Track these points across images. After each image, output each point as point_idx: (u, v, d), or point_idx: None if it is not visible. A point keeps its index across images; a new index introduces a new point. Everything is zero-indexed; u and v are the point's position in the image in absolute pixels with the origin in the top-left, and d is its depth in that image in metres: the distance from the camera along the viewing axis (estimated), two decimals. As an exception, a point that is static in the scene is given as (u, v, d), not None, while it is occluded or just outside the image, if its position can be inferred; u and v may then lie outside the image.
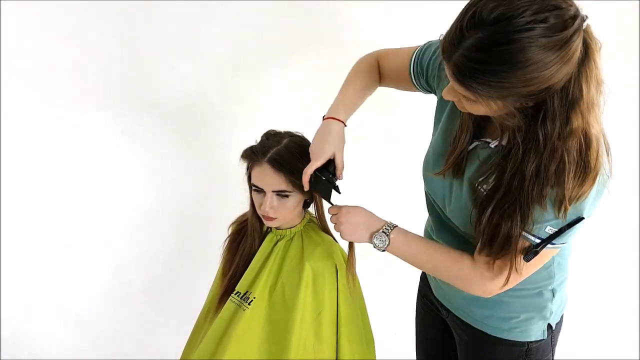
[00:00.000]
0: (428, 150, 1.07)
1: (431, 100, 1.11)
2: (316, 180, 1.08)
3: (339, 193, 1.09)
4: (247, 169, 1.17)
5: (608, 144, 0.83)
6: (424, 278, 1.31)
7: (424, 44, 1.07)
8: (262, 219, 1.17)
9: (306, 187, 1.09)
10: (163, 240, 1.75)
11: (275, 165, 1.09)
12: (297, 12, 1.56)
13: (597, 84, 0.76)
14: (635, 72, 1.67)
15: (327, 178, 1.07)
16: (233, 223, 1.31)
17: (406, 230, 1.03)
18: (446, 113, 1.02)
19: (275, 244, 1.23)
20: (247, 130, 1.21)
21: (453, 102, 0.88)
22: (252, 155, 1.13)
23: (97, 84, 1.54)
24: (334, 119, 1.09)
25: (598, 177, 0.79)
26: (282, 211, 1.14)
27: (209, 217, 1.64)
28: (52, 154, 1.59)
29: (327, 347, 1.17)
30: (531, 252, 0.86)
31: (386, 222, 1.03)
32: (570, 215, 0.82)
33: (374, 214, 1.05)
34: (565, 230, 0.84)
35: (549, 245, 0.86)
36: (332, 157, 1.07)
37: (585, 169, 0.78)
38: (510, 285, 0.92)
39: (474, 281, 0.95)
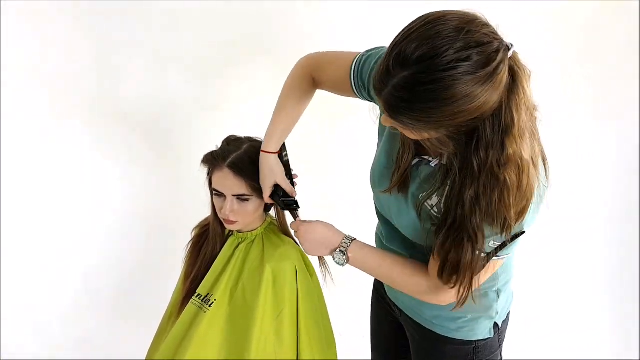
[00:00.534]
0: (373, 164, 1.09)
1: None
2: (276, 204, 1.18)
3: (298, 208, 1.17)
4: (208, 174, 1.20)
5: (544, 154, 0.86)
6: None
7: (363, 54, 1.05)
8: (223, 222, 1.20)
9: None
10: (132, 246, 1.75)
11: (235, 170, 1.13)
12: (266, 18, 1.60)
13: (527, 109, 0.78)
14: (635, 72, 1.70)
15: (278, 202, 1.16)
16: (196, 227, 1.33)
17: (363, 245, 1.06)
18: (387, 132, 1.04)
19: (237, 247, 1.25)
20: (217, 138, 1.24)
21: None
22: (212, 161, 1.16)
23: (68, 92, 1.55)
24: (265, 152, 1.14)
25: (534, 193, 0.82)
26: (243, 215, 1.17)
27: (177, 225, 1.65)
28: (18, 160, 1.58)
29: (287, 347, 1.20)
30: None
31: (344, 237, 1.06)
32: (513, 231, 0.86)
33: (332, 228, 1.08)
34: (508, 244, 0.88)
35: (494, 258, 0.90)
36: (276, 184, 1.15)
37: (520, 190, 0.80)
38: (466, 296, 0.93)
39: (430, 295, 0.99)
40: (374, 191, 1.09)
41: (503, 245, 0.88)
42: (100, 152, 1.63)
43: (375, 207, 1.17)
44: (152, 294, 1.77)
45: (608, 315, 2.01)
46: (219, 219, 1.22)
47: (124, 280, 1.78)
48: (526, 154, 0.79)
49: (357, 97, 1.09)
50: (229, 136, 1.23)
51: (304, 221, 1.11)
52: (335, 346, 1.30)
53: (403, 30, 0.76)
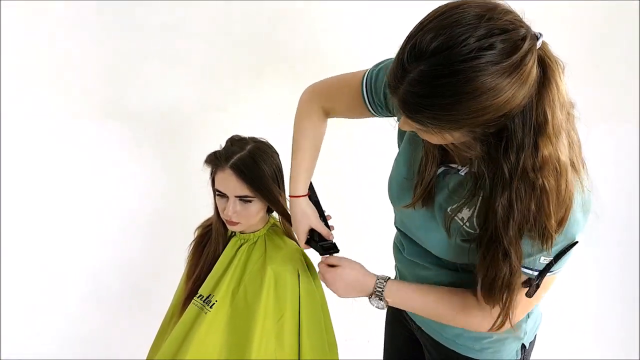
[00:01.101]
0: (390, 176, 1.01)
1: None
2: (314, 249, 1.14)
3: (337, 252, 1.11)
4: (211, 174, 1.19)
5: (583, 161, 0.79)
6: None
7: (372, 69, 0.98)
8: (226, 223, 1.19)
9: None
10: (138, 246, 1.76)
11: (238, 171, 1.11)
12: (273, 20, 1.60)
13: (562, 106, 0.71)
14: (635, 72, 1.68)
15: (316, 248, 1.12)
16: (198, 227, 1.33)
17: (399, 285, 0.99)
18: (406, 138, 0.97)
19: (239, 248, 1.24)
20: (223, 138, 1.23)
21: None
22: (215, 161, 1.15)
23: (78, 93, 1.57)
24: (295, 197, 1.11)
25: (574, 200, 0.74)
26: (245, 216, 1.16)
27: (184, 224, 1.65)
28: (28, 162, 1.60)
29: (288, 351, 1.18)
30: (532, 286, 0.82)
31: (376, 279, 0.99)
32: (562, 242, 0.78)
33: (361, 270, 1.02)
34: (561, 257, 0.80)
35: (548, 274, 0.82)
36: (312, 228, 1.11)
37: (559, 197, 0.73)
38: (517, 320, 0.87)
39: (484, 325, 0.89)
40: (393, 206, 1.03)
41: (556, 260, 0.80)
42: (109, 152, 1.64)
43: (395, 217, 1.10)
44: (157, 293, 1.77)
45: (608, 316, 1.99)
46: (221, 219, 1.21)
47: (129, 280, 1.79)
48: (563, 156, 0.71)
49: (374, 115, 1.02)
50: (233, 136, 1.21)
51: (330, 265, 1.05)
52: (336, 349, 1.28)
53: (418, 22, 0.69)
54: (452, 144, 0.77)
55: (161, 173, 1.69)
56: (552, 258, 0.79)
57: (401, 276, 1.15)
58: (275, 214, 1.28)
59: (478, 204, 0.81)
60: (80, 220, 1.69)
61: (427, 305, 0.96)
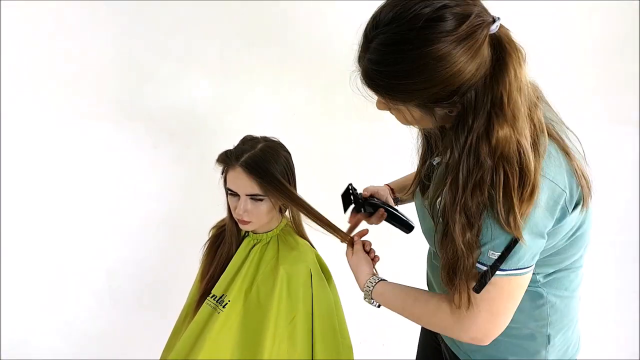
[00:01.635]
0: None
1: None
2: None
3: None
4: (223, 173, 1.19)
5: (580, 166, 0.78)
6: None
7: None
8: (238, 223, 1.19)
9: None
10: (153, 245, 1.77)
11: (249, 169, 1.11)
12: (289, 21, 1.60)
13: (520, 91, 0.71)
14: (635, 72, 1.66)
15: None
16: (213, 227, 1.33)
17: (386, 286, 1.00)
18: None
19: (252, 248, 1.24)
20: (237, 138, 1.23)
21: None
22: (226, 160, 1.15)
23: (91, 94, 1.59)
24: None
25: (538, 193, 0.73)
26: (256, 215, 1.16)
27: (199, 224, 1.66)
28: (45, 162, 1.63)
29: (301, 352, 1.17)
30: (480, 280, 0.80)
31: (368, 279, 1.02)
32: (504, 233, 0.75)
33: (361, 264, 1.07)
34: (507, 254, 0.77)
35: (499, 273, 0.79)
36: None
37: (513, 183, 0.72)
38: (493, 328, 0.84)
39: (457, 327, 0.86)
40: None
41: (503, 257, 0.78)
42: (125, 152, 1.66)
43: None
44: (172, 293, 1.78)
45: (608, 316, 1.95)
46: (234, 219, 1.21)
47: (144, 279, 1.80)
48: (523, 139, 0.71)
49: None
50: (246, 136, 1.22)
51: (357, 244, 1.11)
52: (351, 351, 1.26)
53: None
54: (414, 121, 0.80)
55: (176, 173, 1.71)
56: (499, 253, 0.77)
57: (428, 281, 1.15)
58: (287, 214, 1.27)
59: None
60: (96, 220, 1.71)
61: (406, 306, 0.95)
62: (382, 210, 1.15)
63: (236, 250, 1.25)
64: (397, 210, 1.17)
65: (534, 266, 0.83)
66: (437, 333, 1.16)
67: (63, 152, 1.63)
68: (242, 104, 1.66)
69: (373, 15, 0.74)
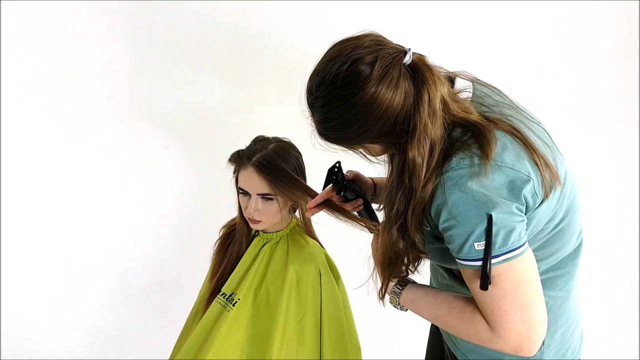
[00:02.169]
0: None
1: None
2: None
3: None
4: (234, 172, 1.20)
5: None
6: None
7: None
8: (249, 222, 1.20)
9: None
10: (164, 244, 1.79)
11: (260, 169, 1.13)
12: (300, 24, 1.61)
13: (433, 115, 0.79)
14: (635, 72, 1.66)
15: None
16: (223, 227, 1.34)
17: (415, 290, 0.95)
18: None
19: (262, 247, 1.25)
20: (249, 139, 1.25)
21: None
22: (238, 159, 1.17)
23: (104, 94, 1.61)
24: None
25: (444, 182, 0.79)
26: (267, 214, 1.17)
27: (210, 223, 1.68)
28: (58, 160, 1.65)
29: (309, 351, 1.18)
30: (482, 277, 0.79)
31: (396, 283, 0.98)
32: (479, 216, 0.77)
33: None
34: (492, 238, 0.77)
35: (494, 261, 0.78)
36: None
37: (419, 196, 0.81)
38: (530, 328, 0.80)
39: (494, 340, 0.82)
40: None
41: (488, 242, 0.78)
42: (136, 153, 1.68)
43: None
44: (184, 292, 1.80)
45: (608, 316, 1.94)
46: (244, 218, 1.22)
47: (155, 278, 1.82)
48: (419, 159, 0.80)
49: None
50: (257, 136, 1.23)
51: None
52: (359, 351, 1.27)
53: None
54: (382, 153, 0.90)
55: (187, 173, 1.72)
56: (484, 241, 0.78)
57: (430, 282, 1.15)
58: (298, 214, 1.28)
59: None
60: (107, 219, 1.73)
61: (440, 315, 0.91)
62: (360, 200, 1.13)
63: (246, 249, 1.26)
64: (371, 207, 1.15)
65: (530, 248, 0.82)
66: (441, 333, 1.15)
67: (76, 153, 1.65)
68: (254, 105, 1.68)
69: (307, 84, 0.84)
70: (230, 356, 1.16)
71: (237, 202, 1.23)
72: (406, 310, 0.98)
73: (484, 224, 0.78)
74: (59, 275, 1.76)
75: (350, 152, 0.91)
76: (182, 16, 1.56)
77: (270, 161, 1.13)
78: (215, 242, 1.34)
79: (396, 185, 0.83)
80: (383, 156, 0.94)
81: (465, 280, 0.84)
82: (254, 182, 1.14)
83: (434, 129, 0.79)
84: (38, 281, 1.75)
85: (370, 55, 0.78)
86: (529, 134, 0.84)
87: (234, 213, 1.31)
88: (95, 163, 1.66)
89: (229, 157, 1.19)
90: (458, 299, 0.89)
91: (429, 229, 0.86)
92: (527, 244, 0.81)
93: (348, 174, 1.17)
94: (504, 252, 0.79)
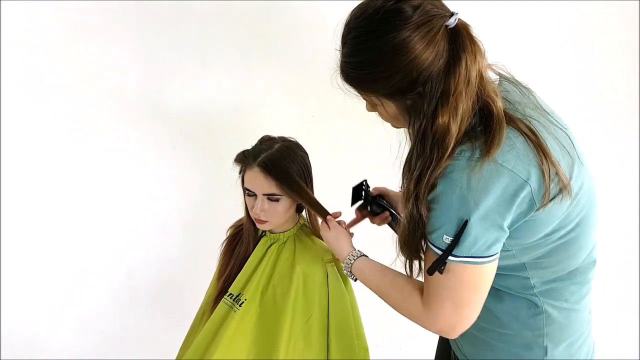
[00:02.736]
0: None
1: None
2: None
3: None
4: (240, 172, 1.20)
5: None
6: None
7: None
8: (255, 222, 1.20)
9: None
10: (172, 244, 1.80)
11: (266, 169, 1.12)
12: (308, 23, 1.61)
13: (467, 83, 0.76)
14: (635, 72, 1.65)
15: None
16: (230, 227, 1.34)
17: (367, 262, 1.04)
18: None
19: (269, 247, 1.24)
20: (256, 139, 1.25)
21: None
22: (244, 160, 1.16)
23: (111, 94, 1.62)
24: None
25: (451, 168, 0.78)
26: (273, 214, 1.16)
27: (217, 223, 1.68)
28: (64, 159, 1.66)
29: (316, 352, 1.17)
30: (435, 264, 0.82)
31: (349, 252, 1.07)
32: (456, 214, 0.78)
33: (342, 239, 1.11)
34: (459, 239, 0.78)
35: (451, 258, 0.80)
36: None
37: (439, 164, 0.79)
38: (459, 320, 0.85)
39: (423, 318, 0.89)
40: None
41: (456, 241, 0.79)
42: (144, 153, 1.68)
43: None
44: (190, 292, 1.80)
45: (608, 316, 1.88)
46: (251, 218, 1.22)
47: (162, 278, 1.82)
48: (454, 127, 0.77)
49: None
50: (263, 136, 1.23)
51: (332, 221, 1.15)
52: (367, 352, 1.25)
53: None
54: (387, 115, 0.87)
55: (195, 173, 1.72)
56: (452, 238, 0.79)
57: None
58: (304, 214, 1.27)
59: None
60: (115, 219, 1.74)
61: (381, 287, 0.98)
62: (387, 213, 1.19)
63: (253, 250, 1.26)
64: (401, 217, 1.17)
65: (495, 261, 0.82)
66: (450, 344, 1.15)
67: (83, 152, 1.65)
68: (260, 105, 1.68)
69: (347, 17, 0.82)
70: (237, 356, 1.16)
71: (244, 202, 1.23)
72: (355, 279, 1.07)
73: (458, 223, 0.78)
74: (65, 275, 1.77)
75: (362, 102, 0.88)
76: (190, 16, 1.57)
77: (276, 161, 1.13)
78: (223, 243, 1.34)
79: (417, 152, 0.80)
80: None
81: (424, 257, 0.88)
82: (260, 182, 1.13)
83: (466, 99, 0.77)
84: (44, 281, 1.76)
85: (418, 0, 0.75)
86: (548, 138, 0.82)
87: (241, 213, 1.31)
88: (102, 162, 1.67)
89: (234, 157, 1.19)
90: (401, 277, 0.95)
91: None
92: (493, 257, 0.82)
93: (373, 192, 1.21)
94: (465, 255, 0.80)
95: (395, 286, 0.95)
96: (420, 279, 0.93)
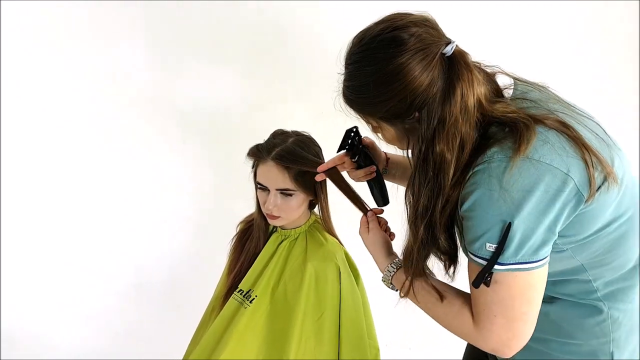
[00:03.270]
0: None
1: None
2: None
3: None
4: (253, 167, 1.18)
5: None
6: None
7: None
8: (267, 217, 1.18)
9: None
10: (181, 240, 1.79)
11: (280, 163, 1.10)
12: (316, 21, 1.59)
13: (464, 111, 0.77)
14: (635, 72, 1.64)
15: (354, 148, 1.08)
16: (241, 222, 1.32)
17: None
18: None
19: (280, 243, 1.23)
20: (266, 136, 1.23)
21: None
22: (257, 153, 1.14)
23: (123, 89, 1.61)
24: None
25: (476, 183, 0.76)
26: (286, 210, 1.14)
27: (227, 219, 1.68)
28: (74, 157, 1.66)
29: (327, 350, 1.15)
30: (480, 275, 0.78)
31: (390, 262, 1.00)
32: (497, 218, 0.75)
33: (382, 248, 1.04)
34: (504, 246, 0.75)
35: (497, 267, 0.76)
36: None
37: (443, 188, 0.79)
38: (512, 337, 0.80)
39: (473, 335, 0.84)
40: None
41: (500, 248, 0.76)
42: (154, 150, 1.68)
43: None
44: (199, 287, 1.79)
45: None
46: (262, 214, 1.20)
47: (172, 274, 1.81)
48: (449, 155, 0.78)
49: None
50: (276, 130, 1.21)
51: (373, 221, 1.07)
52: (378, 352, 1.24)
53: None
54: (393, 139, 0.89)
55: (205, 168, 1.72)
56: (496, 245, 0.76)
57: None
58: (317, 210, 1.25)
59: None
60: (125, 215, 1.73)
61: (428, 304, 0.92)
62: (373, 167, 1.10)
63: (264, 246, 1.24)
64: (382, 178, 1.12)
65: (545, 266, 0.78)
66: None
67: (94, 150, 1.65)
68: (271, 101, 1.66)
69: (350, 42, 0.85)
70: (247, 353, 1.14)
71: (255, 197, 1.21)
72: (397, 290, 0.98)
73: (500, 227, 0.75)
74: (74, 273, 1.77)
75: (365, 126, 0.90)
76: (200, 13, 1.56)
77: (290, 155, 1.11)
78: (233, 238, 1.32)
79: (419, 177, 0.81)
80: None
81: (468, 271, 0.83)
82: (273, 176, 1.11)
83: (464, 126, 0.78)
84: (54, 279, 1.76)
85: (415, 28, 0.77)
86: (580, 129, 0.79)
87: (251, 209, 1.29)
88: (113, 158, 1.67)
89: (247, 151, 1.17)
90: (449, 290, 0.90)
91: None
92: (542, 261, 0.78)
93: (365, 139, 1.13)
94: (512, 262, 0.77)
95: (443, 304, 0.89)
96: (458, 285, 0.89)
